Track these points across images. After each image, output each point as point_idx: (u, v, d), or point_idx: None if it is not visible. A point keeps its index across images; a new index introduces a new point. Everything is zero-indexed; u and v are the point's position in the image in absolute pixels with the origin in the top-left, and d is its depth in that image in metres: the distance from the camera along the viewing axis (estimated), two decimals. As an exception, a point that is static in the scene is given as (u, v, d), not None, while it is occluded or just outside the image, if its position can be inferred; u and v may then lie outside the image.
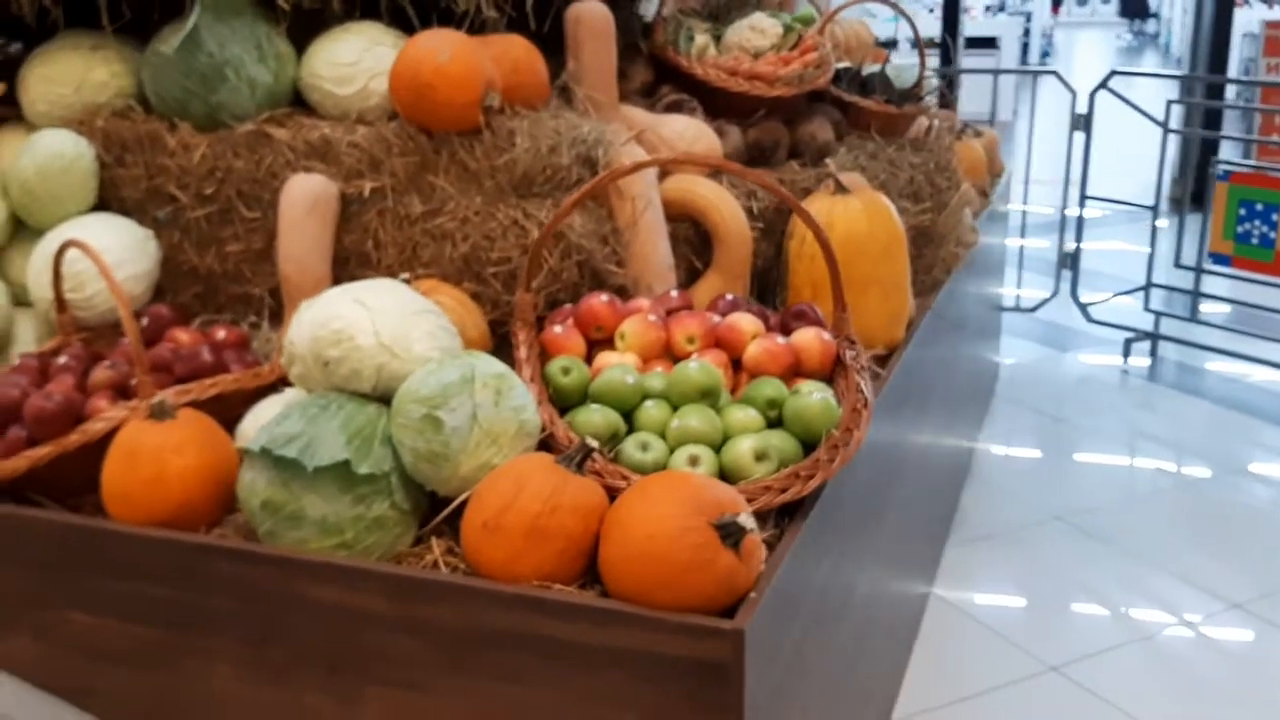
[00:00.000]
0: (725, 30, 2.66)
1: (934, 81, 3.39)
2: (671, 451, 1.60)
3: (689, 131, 2.34)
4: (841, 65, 2.86)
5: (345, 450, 1.52)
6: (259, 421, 1.73)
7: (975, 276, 3.62)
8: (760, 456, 1.58)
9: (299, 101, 2.18)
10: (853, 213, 2.24)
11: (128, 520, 1.61)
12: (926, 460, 2.83)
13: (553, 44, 2.32)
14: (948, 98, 4.40)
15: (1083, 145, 4.81)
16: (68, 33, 2.18)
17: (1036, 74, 6.67)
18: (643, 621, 1.35)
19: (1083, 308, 4.96)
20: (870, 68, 3.25)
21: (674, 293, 2.03)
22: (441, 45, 1.99)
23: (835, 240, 2.22)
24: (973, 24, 12.45)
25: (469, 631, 1.44)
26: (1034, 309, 5.16)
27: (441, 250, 2.05)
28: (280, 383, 1.85)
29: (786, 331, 1.88)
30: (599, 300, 1.86)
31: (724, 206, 2.23)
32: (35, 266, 1.99)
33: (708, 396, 1.67)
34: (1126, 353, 4.70)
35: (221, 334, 1.93)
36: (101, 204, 2.13)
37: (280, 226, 1.98)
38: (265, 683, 1.57)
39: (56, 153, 2.03)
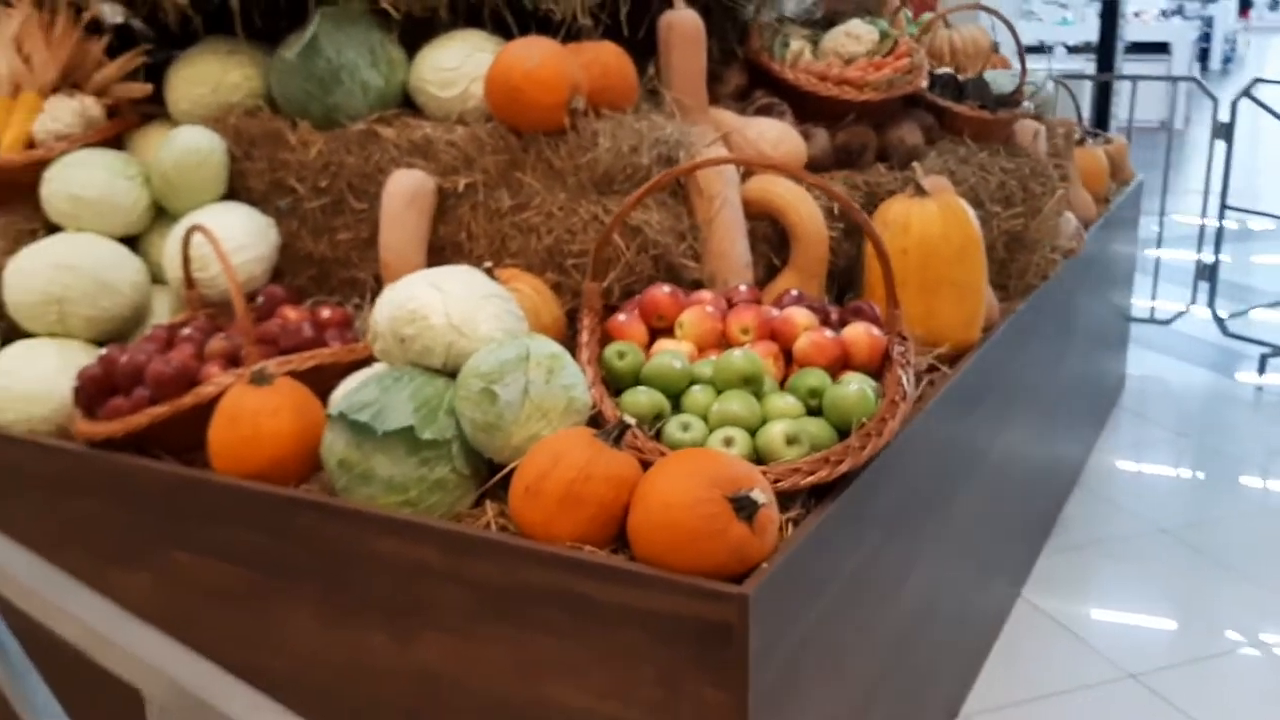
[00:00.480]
0: (823, 36, 2.74)
1: (1047, 88, 3.39)
2: (710, 432, 1.71)
3: (773, 134, 2.44)
4: (943, 71, 2.91)
5: (412, 417, 1.69)
6: (346, 391, 1.91)
7: (1093, 284, 3.60)
8: (791, 440, 1.68)
9: (408, 103, 2.37)
10: (929, 215, 2.30)
11: (227, 473, 1.81)
12: (1017, 464, 2.85)
13: (648, 49, 2.45)
14: (1077, 105, 4.35)
15: (1224, 154, 4.68)
16: (208, 40, 2.42)
17: (1175, 80, 6.45)
18: (659, 583, 1.47)
19: (1219, 321, 4.81)
20: (994, 74, 3.29)
21: (743, 287, 2.14)
22: (531, 52, 2.15)
23: (910, 242, 2.30)
24: (1142, 28, 12.04)
25: (510, 585, 1.58)
26: (1169, 321, 5.03)
27: (528, 242, 2.20)
28: (372, 358, 2.03)
29: (842, 326, 1.97)
30: (661, 291, 1.99)
31: (801, 206, 2.32)
32: (169, 249, 2.23)
33: (750, 383, 1.77)
34: (1262, 368, 4.55)
35: (326, 313, 2.12)
36: (231, 194, 2.36)
37: (382, 217, 2.17)
38: (336, 624, 1.75)
39: (192, 148, 2.27)
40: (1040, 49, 11.34)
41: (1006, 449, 2.73)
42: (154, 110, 2.49)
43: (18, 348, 2.12)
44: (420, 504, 1.69)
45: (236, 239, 2.21)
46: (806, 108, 2.60)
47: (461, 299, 1.78)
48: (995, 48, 3.98)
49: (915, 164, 2.54)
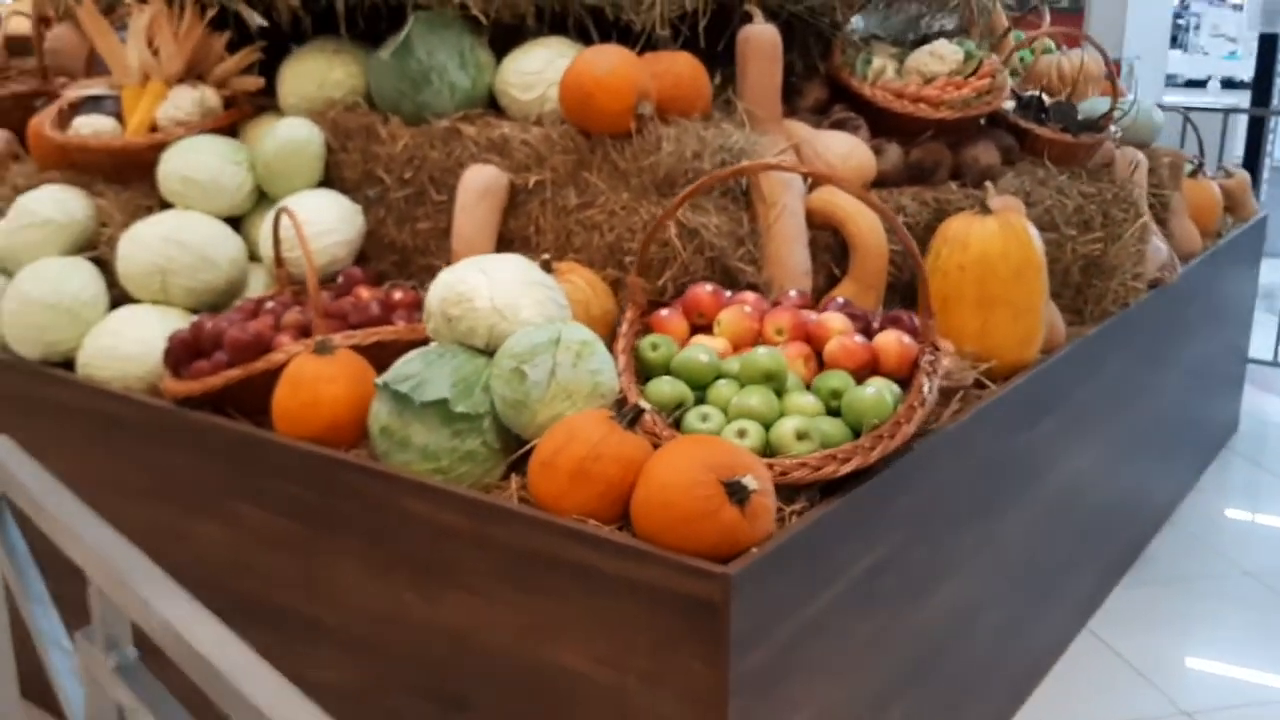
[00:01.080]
0: (909, 55, 2.78)
1: (1154, 116, 3.35)
2: (728, 424, 1.78)
3: (842, 147, 2.49)
4: (1030, 93, 2.91)
5: (449, 391, 1.81)
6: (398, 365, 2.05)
7: (1194, 319, 3.52)
8: (802, 436, 1.74)
9: (494, 103, 2.51)
10: (988, 233, 2.32)
11: (287, 434, 1.97)
12: (1089, 493, 2.82)
13: (729, 61, 2.54)
14: (1199, 137, 4.24)
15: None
16: (316, 39, 2.61)
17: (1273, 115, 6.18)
18: (652, 559, 1.55)
19: (1346, 368, 4.62)
20: (1095, 100, 3.27)
21: (793, 293, 2.20)
22: (603, 59, 2.26)
23: (968, 258, 2.33)
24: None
25: (525, 553, 1.68)
26: (1294, 365, 4.85)
27: (590, 239, 2.31)
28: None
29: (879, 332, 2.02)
30: (704, 290, 2.07)
31: (861, 218, 2.37)
32: (264, 229, 2.42)
33: (772, 379, 1.83)
34: (1388, 420, 4.35)
35: (398, 295, 2.27)
36: (326, 181, 2.54)
37: (456, 209, 2.31)
38: (375, 576, 1.88)
39: (291, 137, 2.45)
40: (1199, 84, 10.96)
41: (1074, 475, 2.71)
42: (267, 102, 2.69)
43: (124, 312, 2.33)
44: (451, 472, 1.81)
45: (323, 223, 2.38)
46: (884, 124, 2.64)
47: (506, 284, 1.90)
48: (1113, 74, 3.93)
49: (987, 183, 2.56)
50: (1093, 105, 3.41)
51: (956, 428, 2.06)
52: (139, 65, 2.60)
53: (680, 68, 2.40)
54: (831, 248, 2.44)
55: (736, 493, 1.54)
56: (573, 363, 1.79)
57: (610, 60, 2.26)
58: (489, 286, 1.90)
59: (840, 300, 2.14)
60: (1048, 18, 3.73)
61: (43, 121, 2.62)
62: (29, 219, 2.46)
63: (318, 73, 2.56)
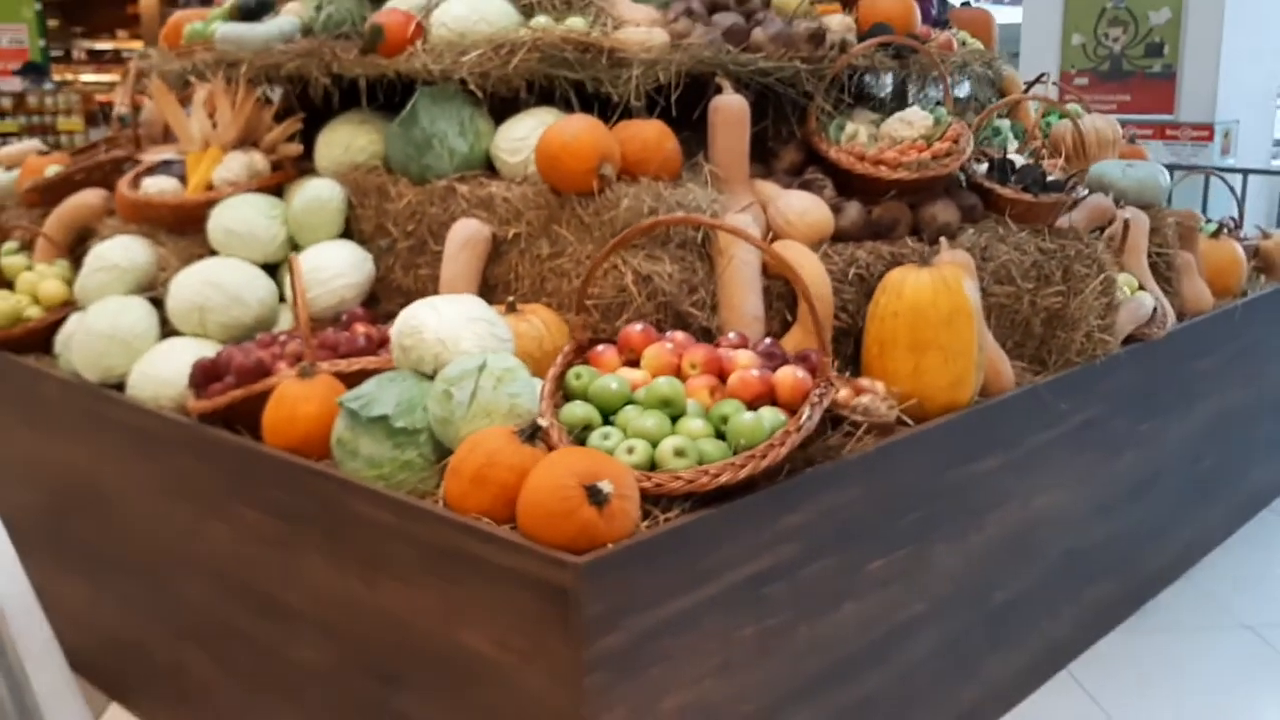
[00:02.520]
0: (883, 121, 3.00)
1: (1159, 180, 3.46)
2: (622, 441, 2.03)
3: (800, 204, 2.73)
4: (1011, 156, 3.08)
5: (392, 409, 2.12)
6: (371, 390, 2.37)
7: (1216, 375, 3.57)
8: (680, 453, 1.97)
9: (492, 165, 2.84)
10: (921, 283, 2.52)
11: (272, 445, 2.30)
12: (1062, 535, 2.93)
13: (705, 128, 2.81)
14: (1237, 199, 4.28)
15: None
16: (348, 112, 3.00)
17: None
18: (524, 550, 1.81)
19: None
20: (1106, 164, 3.41)
21: (732, 335, 2.44)
22: (569, 127, 2.56)
23: (902, 305, 2.53)
24: None
25: (439, 546, 1.96)
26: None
27: (560, 284, 2.60)
28: (411, 369, 2.48)
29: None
30: (634, 330, 2.33)
31: (808, 268, 2.59)
32: (287, 275, 2.79)
33: (668, 405, 2.08)
34: None
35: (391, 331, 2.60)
36: (347, 233, 2.91)
37: (444, 257, 2.64)
38: (332, 567, 2.19)
39: (316, 195, 2.83)
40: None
41: (1036, 516, 2.83)
42: (309, 166, 3.09)
43: (166, 343, 2.72)
44: (391, 479, 2.11)
45: (335, 268, 2.74)
46: (852, 185, 2.86)
47: (450, 320, 2.21)
48: (1131, 138, 4.05)
49: (942, 239, 2.76)
50: (1105, 171, 3.56)
51: (862, 457, 2.26)
52: (200, 134, 3.03)
53: (647, 133, 2.68)
54: (785, 296, 2.67)
55: (594, 495, 1.79)
56: (494, 386, 2.08)
57: (575, 127, 2.57)
58: (435, 321, 2.20)
59: (768, 342, 2.37)
60: (1049, 85, 3.86)
61: (123, 183, 3.08)
62: (100, 264, 2.91)
63: (345, 140, 2.95)
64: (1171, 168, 4.39)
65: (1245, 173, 5.39)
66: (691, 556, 1.93)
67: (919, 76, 3.12)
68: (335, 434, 2.18)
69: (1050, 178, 2.98)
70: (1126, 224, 3.29)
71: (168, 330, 2.83)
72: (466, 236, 2.63)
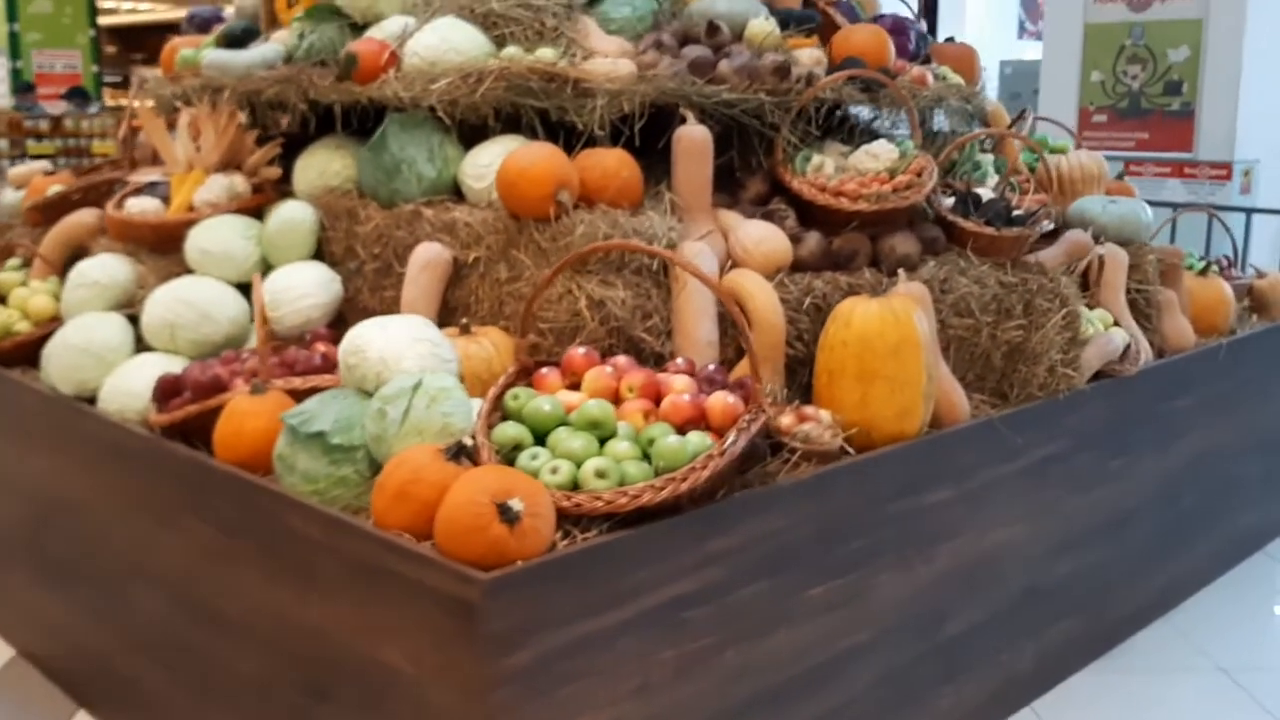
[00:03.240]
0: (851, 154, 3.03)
1: (1135, 213, 3.46)
2: (549, 461, 2.07)
3: (757, 234, 2.76)
4: (977, 190, 3.10)
5: (329, 425, 2.17)
6: (320, 407, 2.42)
7: (1199, 414, 3.54)
8: (601, 474, 2.00)
9: (459, 190, 2.90)
10: (869, 313, 2.53)
11: (221, 459, 2.36)
12: (1023, 570, 2.92)
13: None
14: (1233, 238, 4.25)
15: None
16: (326, 137, 3.08)
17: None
18: (435, 565, 1.85)
19: None
20: (1088, 200, 3.42)
21: (680, 360, 2.47)
22: (527, 155, 2.62)
23: (850, 335, 2.54)
24: None
25: (361, 561, 2.00)
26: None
27: (518, 308, 2.65)
28: (365, 388, 2.53)
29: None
30: (578, 353, 2.36)
31: (760, 296, 2.62)
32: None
33: (597, 427, 2.11)
34: None
35: (351, 351, 2.65)
36: (319, 254, 2.97)
37: (405, 279, 2.69)
38: (268, 579, 2.23)
39: (288, 217, 2.90)
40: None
41: (993, 549, 2.82)
42: (290, 189, 3.17)
43: (138, 358, 2.79)
44: (326, 494, 2.16)
45: (302, 288, 2.80)
46: (816, 216, 2.89)
47: (393, 340, 2.25)
48: (1120, 175, 4.04)
49: (900, 270, 2.78)
50: (1085, 207, 3.56)
51: (797, 484, 2.27)
52: (184, 157, 3.12)
53: (607, 162, 2.73)
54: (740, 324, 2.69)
55: (505, 513, 1.83)
56: (427, 405, 2.12)
57: (533, 155, 2.62)
58: (379, 341, 2.25)
59: (711, 367, 2.40)
60: (1030, 120, 3.87)
61: (111, 203, 3.17)
62: (81, 280, 2.99)
63: (320, 164, 3.02)
64: (1160, 204, 4.37)
65: (1249, 211, 5.34)
66: (607, 577, 1.96)
67: (890, 110, 3.14)
68: (276, 449, 2.23)
69: (1017, 212, 2.99)
70: (1101, 259, 3.29)
71: (143, 346, 2.90)
72: (426, 260, 2.68)
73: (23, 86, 12.00)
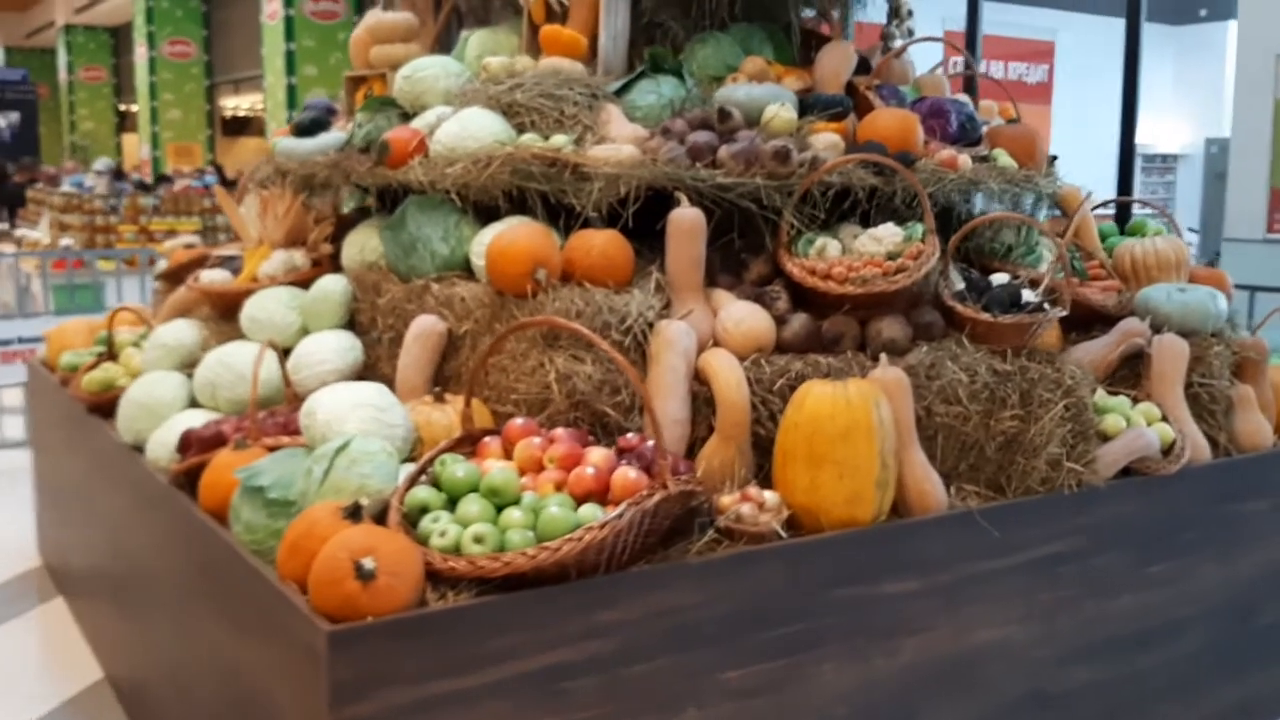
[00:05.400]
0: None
1: (1203, 303, 3.26)
2: (441, 524, 2.18)
3: (739, 314, 2.79)
4: (978, 275, 3.01)
5: (269, 481, 2.36)
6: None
7: (1258, 529, 3.26)
8: (478, 540, 2.10)
9: (469, 266, 3.08)
10: (821, 396, 2.52)
11: (204, 505, 2.60)
12: (1015, 676, 2.78)
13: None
14: None
15: None
16: (370, 218, 3.33)
17: None
18: (298, 614, 1.99)
19: None
20: (1155, 288, 3.26)
21: (631, 436, 2.53)
22: (509, 234, 2.77)
23: (801, 417, 2.54)
24: None
25: (260, 605, 2.17)
26: None
27: (499, 378, 2.78)
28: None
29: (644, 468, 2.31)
30: (516, 424, 2.46)
31: (726, 376, 2.64)
32: (291, 358, 3.13)
33: (496, 494, 2.21)
34: None
35: (351, 414, 2.86)
36: (351, 323, 3.22)
37: (402, 349, 2.89)
38: (219, 619, 2.44)
39: (323, 289, 3.16)
40: None
41: (975, 650, 2.70)
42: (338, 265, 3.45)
43: (184, 414, 3.10)
44: (263, 545, 2.34)
45: (321, 354, 3.05)
46: (810, 298, 2.89)
47: (339, 404, 2.44)
48: (1211, 262, 3.79)
49: (883, 354, 2.74)
50: (1148, 292, 3.38)
51: (705, 562, 2.28)
52: (256, 234, 3.45)
53: (595, 242, 2.84)
54: (713, 403, 2.73)
55: (359, 570, 1.95)
56: (348, 466, 2.28)
57: (514, 235, 2.77)
58: (327, 405, 2.44)
59: (650, 445, 2.45)
60: (1085, 204, 3.68)
61: (195, 274, 3.54)
62: (155, 342, 3.36)
63: (361, 241, 3.28)
64: None
65: None
66: (471, 639, 2.04)
67: (903, 193, 3.09)
68: (231, 500, 2.45)
69: (1031, 298, 2.88)
70: (1144, 351, 3.10)
71: (195, 402, 3.22)
72: (419, 331, 2.87)
73: (161, 178, 13.65)
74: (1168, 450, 3.04)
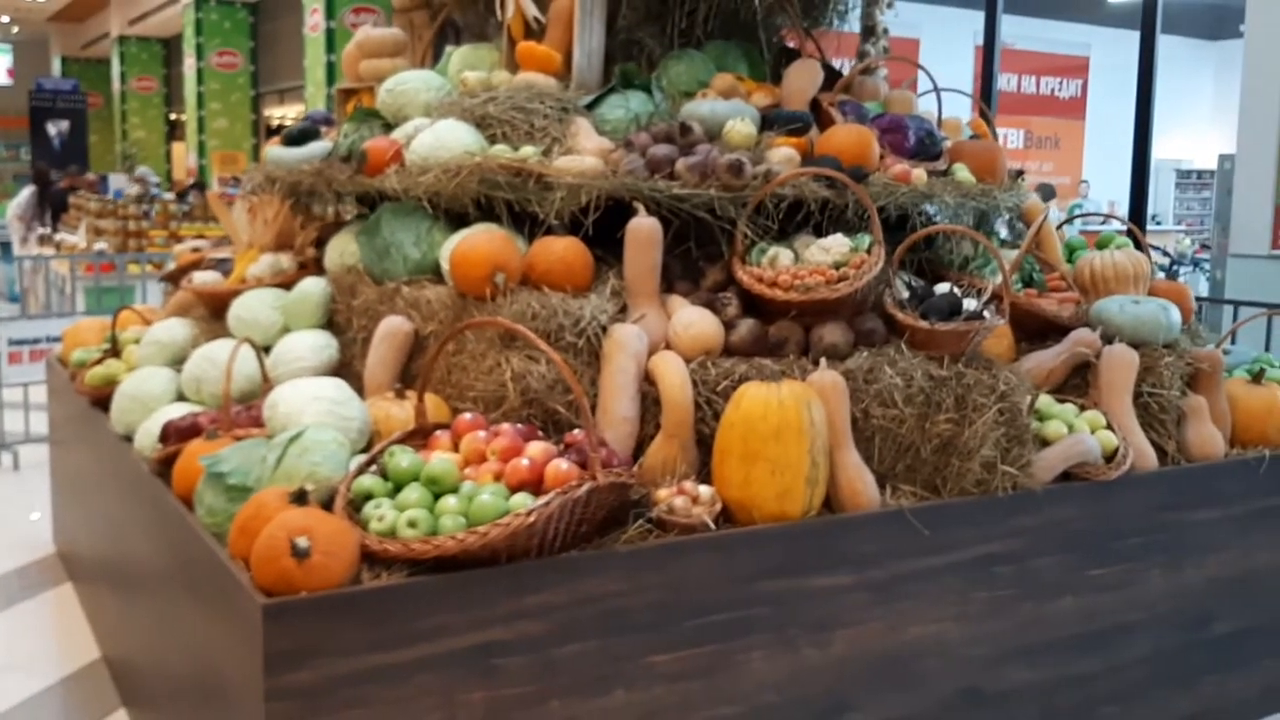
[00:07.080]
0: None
1: (1155, 314, 3.34)
2: (382, 509, 2.33)
3: (688, 318, 2.91)
4: (920, 283, 3.11)
5: (229, 468, 2.52)
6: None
7: (1236, 532, 3.34)
8: (412, 524, 2.24)
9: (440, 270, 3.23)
10: (755, 397, 2.64)
11: (177, 491, 2.76)
12: (954, 671, 2.88)
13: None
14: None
15: None
16: (351, 223, 3.50)
17: None
18: (242, 590, 2.14)
19: None
20: (1113, 299, 3.34)
21: (577, 432, 2.66)
22: (471, 240, 2.92)
23: (737, 416, 2.67)
24: None
25: (213, 582, 2.33)
26: None
27: (461, 377, 2.93)
28: (314, 441, 2.87)
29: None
30: (465, 419, 2.61)
31: (670, 377, 2.77)
32: (271, 355, 3.29)
33: (435, 483, 2.35)
34: None
35: (321, 409, 3.02)
36: (330, 323, 3.38)
37: (370, 348, 3.04)
38: (189, 598, 2.60)
39: (302, 291, 3.33)
40: None
41: (912, 644, 2.80)
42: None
43: (170, 406, 3.28)
44: (223, 527, 2.49)
45: (296, 352, 3.21)
46: (760, 305, 3.02)
47: (297, 398, 2.60)
48: (1174, 274, 3.86)
49: (823, 358, 2.86)
50: (1101, 304, 3.47)
51: (633, 551, 2.41)
52: (246, 238, 3.63)
53: (554, 248, 2.98)
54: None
55: (294, 549, 2.10)
56: (299, 455, 2.43)
57: (475, 240, 2.92)
58: (287, 398, 2.60)
59: (577, 434, 2.58)
60: (1044, 217, 3.77)
61: (188, 275, 3.73)
62: (149, 339, 3.54)
63: (341, 245, 3.45)
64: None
65: None
66: (402, 616, 2.18)
67: (856, 205, 3.20)
68: (197, 486, 2.61)
69: (972, 307, 2.98)
70: (1089, 361, 3.20)
71: (183, 396, 3.39)
72: (386, 331, 3.02)
73: (198, 185, 14.03)
74: (1110, 457, 3.13)
